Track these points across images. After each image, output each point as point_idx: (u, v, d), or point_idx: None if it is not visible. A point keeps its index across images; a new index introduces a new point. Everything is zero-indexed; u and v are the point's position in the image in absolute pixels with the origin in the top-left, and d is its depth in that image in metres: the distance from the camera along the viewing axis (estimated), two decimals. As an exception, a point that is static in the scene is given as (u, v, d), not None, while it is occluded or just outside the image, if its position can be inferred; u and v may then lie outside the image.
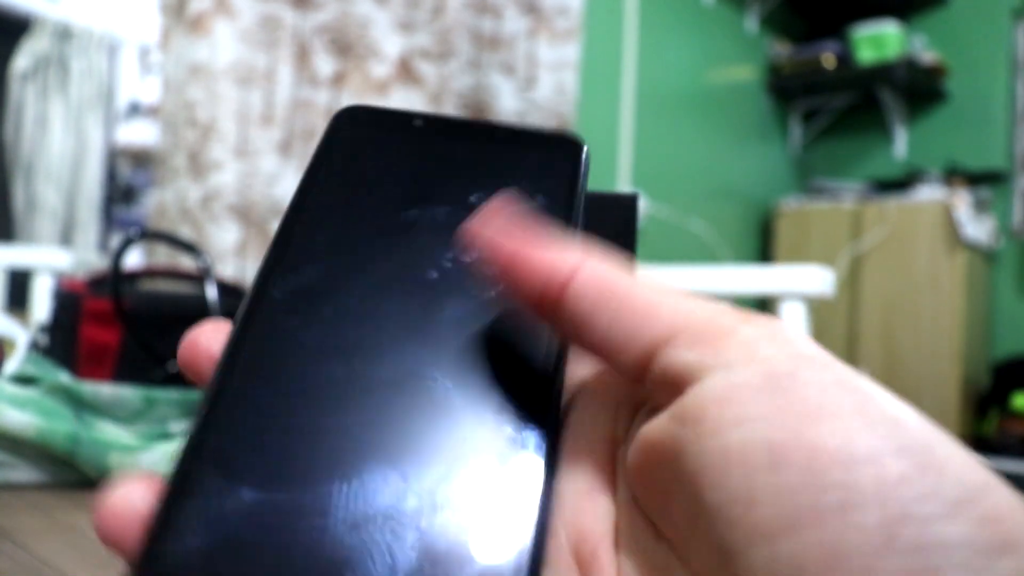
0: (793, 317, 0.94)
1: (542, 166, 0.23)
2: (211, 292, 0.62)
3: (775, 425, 0.13)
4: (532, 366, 0.19)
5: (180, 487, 0.16)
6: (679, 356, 0.15)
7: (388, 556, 0.15)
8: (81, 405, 0.51)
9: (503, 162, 0.23)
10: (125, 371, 0.64)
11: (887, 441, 0.13)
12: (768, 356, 0.14)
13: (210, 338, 0.19)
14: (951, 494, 0.12)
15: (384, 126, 0.23)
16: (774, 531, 0.12)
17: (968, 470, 0.12)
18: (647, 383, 0.16)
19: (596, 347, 0.17)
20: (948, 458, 0.13)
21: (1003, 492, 0.12)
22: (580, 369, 0.19)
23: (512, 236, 0.18)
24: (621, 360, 0.16)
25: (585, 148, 0.23)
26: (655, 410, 0.16)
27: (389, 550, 0.15)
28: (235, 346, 0.19)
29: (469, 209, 0.21)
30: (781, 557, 0.12)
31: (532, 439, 0.17)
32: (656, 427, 0.15)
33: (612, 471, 0.17)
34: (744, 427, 0.13)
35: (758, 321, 0.15)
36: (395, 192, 0.22)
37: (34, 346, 0.67)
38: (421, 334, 0.19)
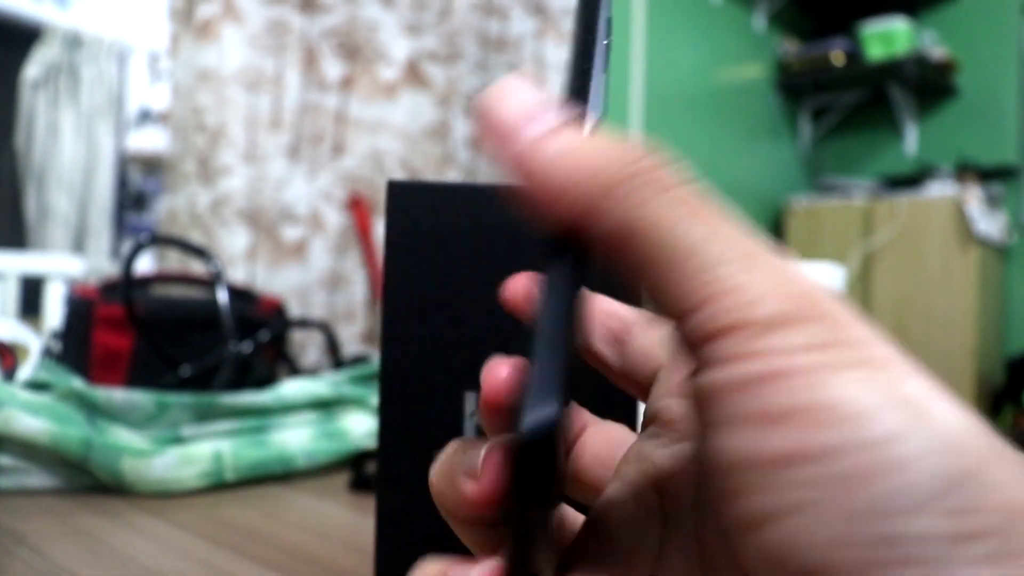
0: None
1: None
2: (222, 296, 0.63)
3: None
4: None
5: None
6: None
7: None
8: (94, 410, 0.51)
9: None
10: (137, 376, 0.65)
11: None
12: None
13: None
14: (924, 487, 0.12)
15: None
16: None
17: (952, 459, 0.12)
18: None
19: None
20: (925, 453, 0.12)
21: (986, 477, 0.12)
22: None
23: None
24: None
25: None
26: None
27: None
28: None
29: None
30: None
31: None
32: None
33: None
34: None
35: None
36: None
37: (47, 352, 0.68)
38: None
